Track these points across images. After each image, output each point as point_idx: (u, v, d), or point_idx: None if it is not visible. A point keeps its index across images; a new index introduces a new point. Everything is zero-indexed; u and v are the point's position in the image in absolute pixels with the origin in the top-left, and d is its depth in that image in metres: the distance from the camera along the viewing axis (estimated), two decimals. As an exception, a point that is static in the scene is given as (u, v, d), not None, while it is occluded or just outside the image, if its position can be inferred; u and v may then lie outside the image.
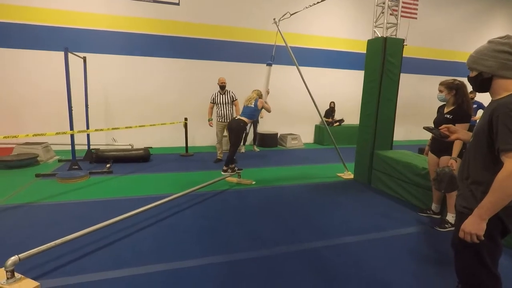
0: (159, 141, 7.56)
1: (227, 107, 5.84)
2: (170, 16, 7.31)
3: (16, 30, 6.28)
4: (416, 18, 9.06)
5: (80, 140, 6.18)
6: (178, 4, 7.36)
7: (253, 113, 5.06)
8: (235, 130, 4.93)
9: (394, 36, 4.50)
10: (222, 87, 5.83)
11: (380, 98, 4.49)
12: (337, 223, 3.30)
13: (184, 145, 6.85)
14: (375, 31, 4.66)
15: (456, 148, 2.91)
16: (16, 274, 2.01)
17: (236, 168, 4.96)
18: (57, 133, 4.08)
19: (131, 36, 7.08)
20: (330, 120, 8.76)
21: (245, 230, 3.06)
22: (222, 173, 5.05)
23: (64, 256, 2.44)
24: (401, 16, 4.81)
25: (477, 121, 5.82)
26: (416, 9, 8.94)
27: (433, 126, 3.25)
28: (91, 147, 6.17)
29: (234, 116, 5.48)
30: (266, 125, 8.47)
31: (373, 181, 4.64)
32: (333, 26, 8.74)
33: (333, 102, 8.90)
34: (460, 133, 1.70)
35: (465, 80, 2.93)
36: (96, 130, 5.18)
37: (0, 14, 6.17)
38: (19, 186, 4.23)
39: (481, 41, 1.50)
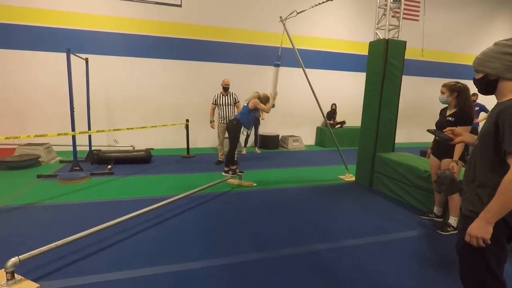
0: (161, 143, 7.56)
1: (228, 108, 5.84)
2: (172, 18, 7.33)
3: (19, 31, 6.31)
4: (418, 20, 9.04)
5: (82, 141, 6.18)
6: (180, 6, 7.39)
7: (244, 113, 5.01)
8: (229, 129, 5.05)
9: (396, 38, 4.49)
10: (226, 88, 5.84)
11: (381, 100, 4.48)
12: (339, 225, 3.28)
13: (185, 146, 6.85)
14: (377, 33, 4.66)
15: (457, 151, 2.89)
16: (16, 275, 2.01)
17: (237, 170, 4.94)
18: (58, 134, 4.09)
19: (133, 37, 7.10)
20: (331, 122, 8.74)
21: (246, 232, 3.05)
22: (223, 173, 5.05)
23: (65, 257, 2.44)
24: (403, 18, 4.80)
25: (480, 123, 5.79)
26: (418, 11, 8.93)
27: (435, 128, 3.25)
28: (93, 148, 6.18)
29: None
30: (268, 127, 8.46)
31: (374, 183, 4.62)
32: (335, 28, 8.74)
33: (335, 104, 8.89)
34: (465, 135, 1.69)
35: (468, 82, 2.93)
36: (97, 131, 5.20)
37: (4, 15, 6.21)
38: (21, 187, 4.24)
39: (484, 43, 1.50)
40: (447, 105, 3.18)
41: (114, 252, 2.58)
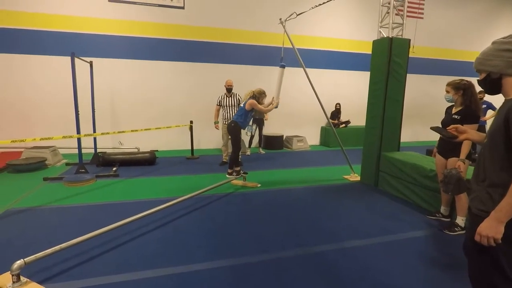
0: (165, 144, 7.59)
1: (232, 109, 5.83)
2: (175, 20, 7.36)
3: (25, 36, 6.40)
4: (422, 18, 8.95)
5: (87, 144, 6.25)
6: (183, 8, 7.42)
7: (241, 114, 4.92)
8: (229, 132, 5.01)
9: (400, 36, 4.45)
10: (229, 89, 5.84)
11: (386, 99, 4.43)
12: (344, 226, 3.25)
13: (190, 148, 6.86)
14: (380, 32, 4.61)
15: (464, 149, 2.85)
16: (22, 277, 2.03)
17: (241, 171, 4.93)
18: (63, 137, 4.13)
19: (137, 40, 7.15)
20: (336, 121, 8.70)
21: (250, 233, 3.04)
22: (227, 176, 5.04)
23: (70, 259, 2.45)
24: (407, 16, 4.76)
25: (487, 121, 5.68)
26: (423, 9, 8.84)
27: (440, 126, 3.21)
28: (98, 150, 6.23)
29: None
30: (272, 127, 8.45)
31: (380, 183, 4.58)
32: (338, 27, 8.69)
33: (339, 104, 8.84)
34: (470, 133, 1.65)
35: (473, 80, 2.89)
36: (102, 133, 5.24)
37: (10, 20, 6.29)
38: (27, 190, 4.28)
39: (489, 40, 1.47)
40: (453, 103, 3.13)
41: (118, 254, 2.59)
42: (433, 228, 3.23)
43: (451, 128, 1.69)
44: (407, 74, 4.51)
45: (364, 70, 8.13)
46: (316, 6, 4.77)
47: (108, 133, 5.10)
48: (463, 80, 2.99)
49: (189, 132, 6.78)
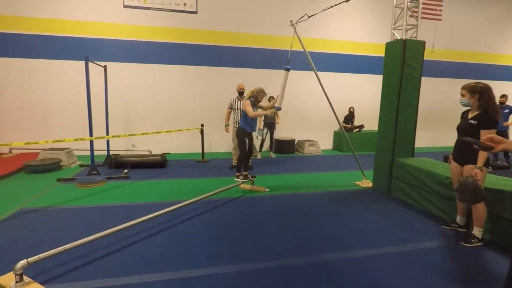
0: (177, 147, 7.66)
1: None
2: (188, 24, 7.46)
3: (43, 41, 6.64)
4: (440, 20, 8.68)
5: (101, 146, 6.38)
6: (196, 12, 7.51)
7: (242, 117, 4.83)
8: (236, 135, 4.98)
9: (415, 38, 4.30)
10: (241, 93, 5.83)
11: (399, 103, 4.29)
12: (354, 234, 3.14)
13: (201, 151, 6.88)
14: (393, 34, 4.49)
15: (482, 156, 2.69)
16: (25, 277, 2.05)
17: (249, 176, 4.87)
18: (75, 139, 4.21)
19: (150, 44, 7.28)
20: (349, 126, 8.54)
21: (256, 239, 2.97)
22: (235, 179, 5.00)
23: (73, 261, 2.46)
24: (424, 18, 4.61)
25: (510, 127, 5.35)
26: (441, 10, 8.58)
27: (457, 133, 3.05)
28: (112, 152, 6.35)
29: None
30: (284, 131, 8.38)
31: (393, 190, 4.42)
32: (351, 30, 8.57)
33: (353, 108, 8.68)
34: (507, 142, 1.52)
35: (494, 83, 2.74)
36: (113, 136, 5.32)
37: (29, 27, 6.55)
38: (40, 190, 4.39)
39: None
40: (469, 108, 2.98)
41: (121, 256, 2.58)
42: (449, 239, 3.06)
43: (485, 138, 1.56)
44: (424, 78, 4.35)
45: (379, 74, 7.94)
46: (328, 8, 4.68)
47: (119, 135, 5.17)
48: (479, 83, 2.84)
49: (200, 135, 6.80)
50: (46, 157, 5.81)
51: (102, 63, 5.88)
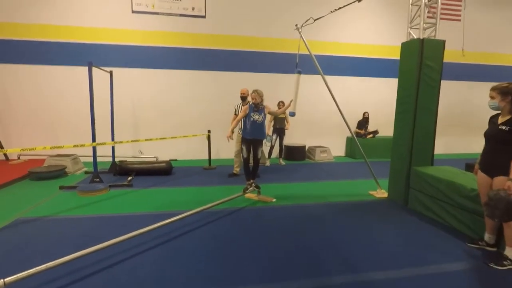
0: (185, 154, 7.51)
1: None
2: (196, 29, 7.35)
3: (52, 47, 6.66)
4: (459, 20, 8.25)
5: (108, 152, 6.28)
6: (204, 17, 7.40)
7: (242, 123, 4.60)
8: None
9: (433, 38, 3.99)
10: (243, 98, 5.61)
11: (417, 107, 3.96)
12: (365, 252, 2.83)
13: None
14: (410, 33, 4.18)
15: (516, 167, 2.36)
16: (0, 300, 1.87)
17: (253, 185, 4.56)
18: (74, 146, 4.10)
19: (158, 49, 7.20)
20: (363, 131, 8.18)
21: (257, 258, 2.71)
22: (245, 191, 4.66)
23: (58, 279, 2.27)
24: (443, 18, 4.28)
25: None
26: (459, 10, 8.15)
27: (485, 139, 2.72)
28: (120, 159, 6.26)
29: None
30: (294, 137, 8.11)
31: (410, 201, 4.07)
32: (364, 32, 8.26)
33: (367, 112, 8.33)
34: None
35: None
36: (115, 142, 5.21)
37: (39, 33, 6.59)
38: (42, 198, 4.29)
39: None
40: (498, 112, 2.65)
41: (109, 275, 2.37)
42: (475, 259, 2.71)
43: None
44: (442, 80, 4.02)
45: (394, 77, 7.60)
46: (336, 9, 4.42)
47: (121, 142, 5.03)
48: (511, 83, 2.51)
49: (207, 142, 6.62)
50: (51, 164, 5.76)
51: (108, 69, 5.81)
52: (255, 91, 4.35)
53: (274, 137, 7.10)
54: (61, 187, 4.77)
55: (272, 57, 7.79)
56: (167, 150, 7.30)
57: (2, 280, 1.89)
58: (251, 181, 4.56)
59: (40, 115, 6.81)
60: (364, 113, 8.32)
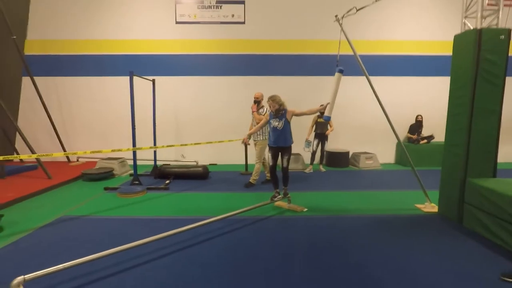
0: (224, 158, 7.59)
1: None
2: (236, 35, 7.45)
3: (103, 60, 7.34)
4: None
5: (152, 156, 6.62)
6: (243, 23, 7.44)
7: None
8: None
9: (495, 27, 3.38)
10: (257, 102, 5.40)
11: (474, 109, 3.38)
12: (406, 281, 2.40)
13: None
14: (465, 23, 3.61)
15: None
16: (20, 295, 1.98)
17: (276, 192, 4.32)
18: (112, 150, 4.37)
19: (199, 57, 7.47)
20: (415, 136, 7.39)
21: (274, 272, 2.51)
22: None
23: (75, 279, 2.36)
24: (507, 5, 3.63)
25: None
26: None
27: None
28: (163, 162, 6.58)
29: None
30: (338, 142, 7.68)
31: (465, 219, 3.47)
32: (415, 28, 7.53)
33: (421, 116, 7.52)
34: None
35: None
36: (150, 147, 5.45)
37: (93, 48, 7.29)
38: (86, 198, 4.64)
39: None
40: None
41: (117, 281, 2.37)
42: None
43: None
44: (507, 77, 3.38)
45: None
46: (379, -1, 4.03)
47: (157, 147, 5.28)
48: None
49: (244, 147, 6.59)
50: (101, 166, 6.25)
51: (151, 77, 6.14)
52: (270, 98, 4.01)
53: (315, 142, 6.78)
54: (105, 188, 5.13)
55: (314, 59, 7.52)
56: (207, 154, 7.46)
57: (22, 276, 2.00)
58: (278, 190, 4.33)
59: (94, 122, 7.49)
60: (417, 116, 7.52)
